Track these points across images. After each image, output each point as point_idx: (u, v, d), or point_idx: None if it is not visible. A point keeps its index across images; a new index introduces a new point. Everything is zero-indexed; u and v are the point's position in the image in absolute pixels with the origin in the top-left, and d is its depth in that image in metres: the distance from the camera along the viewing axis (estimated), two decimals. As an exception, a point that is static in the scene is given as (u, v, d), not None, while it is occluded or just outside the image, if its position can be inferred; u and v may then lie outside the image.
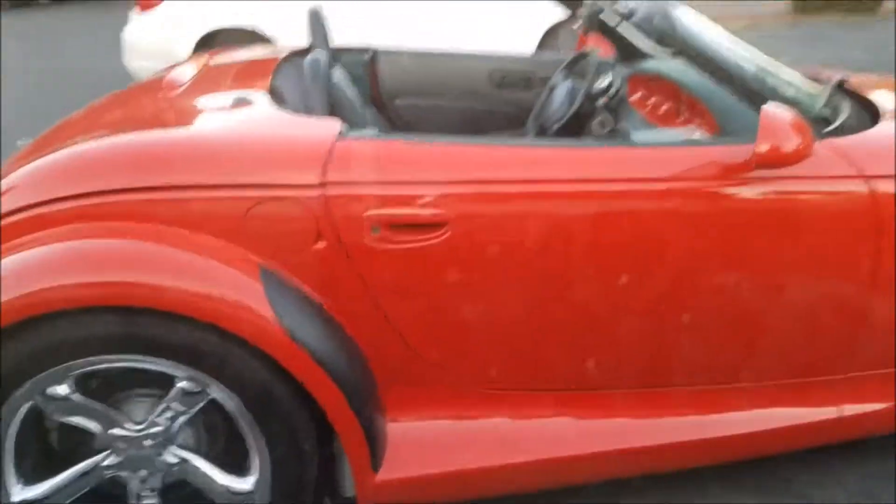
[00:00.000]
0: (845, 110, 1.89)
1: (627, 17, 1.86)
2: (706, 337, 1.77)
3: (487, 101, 2.86)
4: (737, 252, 1.70)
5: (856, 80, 2.21)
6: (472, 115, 2.85)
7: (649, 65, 2.42)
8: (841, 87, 2.08)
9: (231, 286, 1.57)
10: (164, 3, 5.83)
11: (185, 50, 5.51)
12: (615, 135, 2.28)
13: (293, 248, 1.62)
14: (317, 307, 1.63)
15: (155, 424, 1.62)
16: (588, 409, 1.79)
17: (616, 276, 1.69)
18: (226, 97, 1.95)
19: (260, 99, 1.87)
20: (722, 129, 1.92)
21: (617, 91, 2.37)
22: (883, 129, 1.85)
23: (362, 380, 1.67)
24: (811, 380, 1.83)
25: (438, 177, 1.64)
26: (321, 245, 1.61)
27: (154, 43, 5.77)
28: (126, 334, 1.52)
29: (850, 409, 1.83)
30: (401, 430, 1.73)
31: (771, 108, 1.60)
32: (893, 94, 2.19)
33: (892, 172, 1.71)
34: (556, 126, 2.39)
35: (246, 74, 2.25)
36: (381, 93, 2.85)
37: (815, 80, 2.08)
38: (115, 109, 2.12)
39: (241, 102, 1.86)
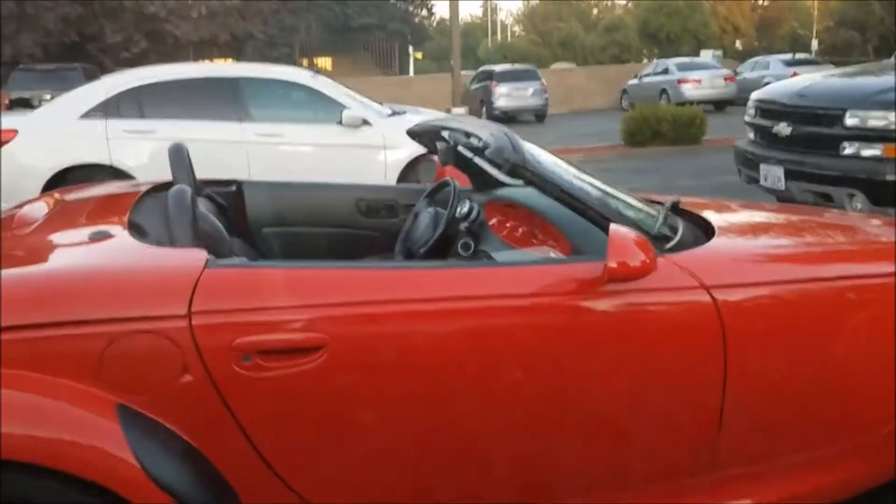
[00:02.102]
0: (681, 228, 2.09)
1: (481, 150, 2.00)
2: (577, 447, 1.82)
3: (354, 228, 2.93)
4: (597, 361, 1.79)
5: (688, 201, 2.46)
6: (340, 241, 2.90)
7: (504, 192, 2.59)
8: (675, 208, 2.30)
9: (84, 429, 1.47)
10: (12, 143, 5.62)
11: (34, 189, 5.30)
12: (478, 256, 2.39)
13: (156, 384, 1.55)
14: (184, 445, 1.55)
15: None
16: None
17: (491, 390, 1.73)
18: (82, 233, 1.88)
19: (119, 233, 1.83)
20: (574, 249, 2.07)
21: (477, 216, 2.51)
22: (717, 243, 2.05)
23: None
24: (677, 482, 1.90)
25: (311, 300, 1.64)
26: (187, 378, 1.55)
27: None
28: None
29: None
30: None
31: (617, 228, 1.74)
32: (721, 213, 2.45)
33: (730, 282, 1.87)
34: (422, 249, 2.48)
35: (103, 210, 2.20)
36: (248, 223, 2.85)
37: (652, 202, 2.30)
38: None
39: (98, 237, 1.80)
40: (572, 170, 2.12)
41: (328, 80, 6.73)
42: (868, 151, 4.67)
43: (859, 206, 4.63)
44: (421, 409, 1.70)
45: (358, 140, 6.23)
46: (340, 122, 6.21)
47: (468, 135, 2.19)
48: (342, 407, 1.66)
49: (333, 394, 1.64)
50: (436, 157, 2.71)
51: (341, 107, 6.28)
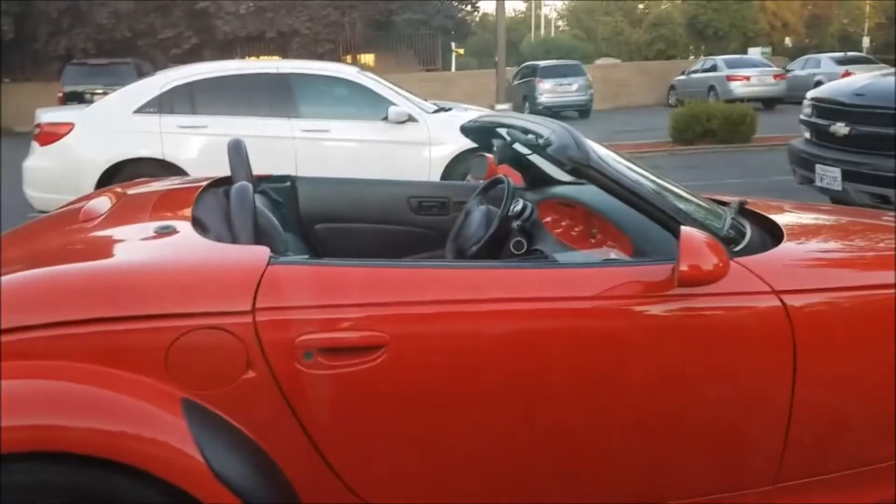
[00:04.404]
0: (749, 230, 2.03)
1: (542, 148, 1.96)
2: (641, 453, 1.78)
3: (405, 225, 2.92)
4: (663, 367, 1.74)
5: (753, 202, 2.39)
6: (390, 237, 2.90)
7: (559, 190, 2.55)
8: (742, 209, 2.23)
9: (149, 423, 1.48)
10: (68, 136, 5.75)
11: (89, 181, 5.41)
12: (531, 256, 2.36)
13: (221, 380, 1.55)
14: (247, 443, 1.55)
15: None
16: None
17: (554, 395, 1.70)
18: (147, 227, 1.91)
19: (183, 228, 1.84)
20: (636, 250, 2.02)
21: (531, 214, 2.48)
22: (787, 246, 1.98)
23: None
24: (740, 493, 1.85)
25: (372, 299, 1.63)
26: (250, 375, 1.56)
27: (57, 174, 5.66)
28: (37, 483, 1.39)
29: None
30: None
31: (689, 230, 1.69)
32: (785, 214, 2.38)
33: (801, 287, 1.81)
34: (474, 248, 2.45)
35: (166, 204, 2.22)
36: (301, 218, 2.87)
37: (717, 203, 2.23)
38: (26, 242, 2.03)
39: (164, 232, 1.82)
40: (635, 168, 2.07)
41: (373, 76, 6.74)
42: (931, 152, 4.52)
43: (921, 208, 4.48)
44: (479, 410, 1.68)
45: (403, 136, 6.23)
46: (386, 119, 6.22)
47: (526, 132, 2.16)
48: (401, 407, 1.65)
49: (393, 394, 1.63)
50: (487, 155, 2.68)
51: (387, 103, 6.29)
